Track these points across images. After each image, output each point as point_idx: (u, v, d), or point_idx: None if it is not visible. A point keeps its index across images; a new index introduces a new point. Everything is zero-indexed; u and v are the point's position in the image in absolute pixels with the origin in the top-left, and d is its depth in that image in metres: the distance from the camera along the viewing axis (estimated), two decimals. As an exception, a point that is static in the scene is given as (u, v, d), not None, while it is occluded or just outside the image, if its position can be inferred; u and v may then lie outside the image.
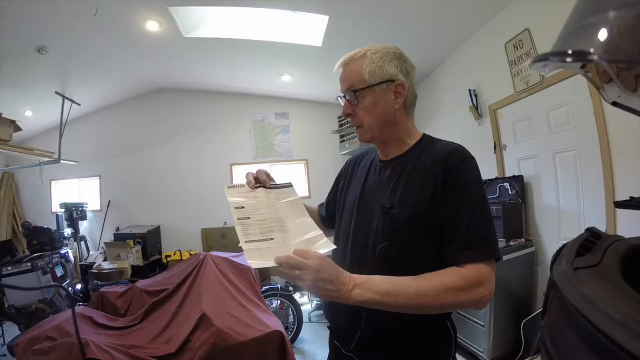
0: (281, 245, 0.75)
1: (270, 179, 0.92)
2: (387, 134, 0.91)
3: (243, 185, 0.88)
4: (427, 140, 0.92)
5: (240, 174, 4.92)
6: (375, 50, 0.87)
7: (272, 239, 0.77)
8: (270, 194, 0.88)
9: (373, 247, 0.85)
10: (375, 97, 0.86)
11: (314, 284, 0.68)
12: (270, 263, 0.69)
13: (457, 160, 0.81)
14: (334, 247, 0.80)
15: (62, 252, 3.66)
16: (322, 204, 1.19)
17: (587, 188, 2.09)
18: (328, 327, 1.00)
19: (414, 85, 0.91)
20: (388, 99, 0.87)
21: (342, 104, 0.94)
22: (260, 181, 0.89)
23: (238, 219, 0.79)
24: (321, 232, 0.82)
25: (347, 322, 0.88)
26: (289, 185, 0.94)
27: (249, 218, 0.80)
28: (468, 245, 0.76)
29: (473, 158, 0.83)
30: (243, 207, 0.82)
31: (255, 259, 0.72)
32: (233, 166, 5.01)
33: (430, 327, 0.84)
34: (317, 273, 0.67)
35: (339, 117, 4.51)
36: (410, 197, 0.82)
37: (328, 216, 1.12)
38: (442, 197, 0.80)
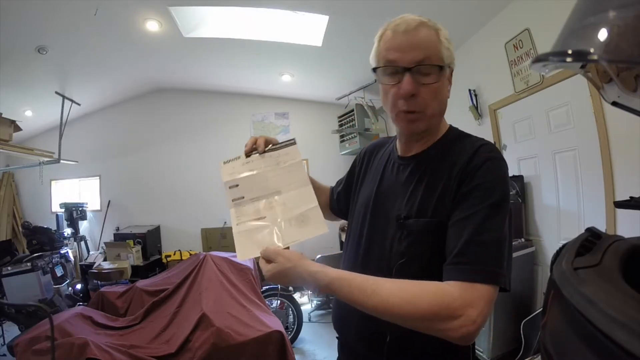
0: (272, 224, 0.74)
1: (273, 143, 0.83)
2: (435, 126, 0.79)
3: (239, 157, 0.83)
4: (454, 135, 0.80)
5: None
6: (440, 27, 0.74)
7: (264, 217, 0.75)
8: (269, 159, 0.81)
9: (388, 263, 0.74)
10: (443, 82, 0.74)
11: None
12: (256, 253, 0.71)
13: (481, 159, 0.69)
14: (326, 230, 0.73)
15: (62, 252, 3.67)
16: (334, 188, 1.08)
17: (587, 188, 2.08)
18: (337, 337, 0.94)
19: None
20: (447, 86, 0.76)
21: (383, 82, 0.75)
22: (257, 146, 0.81)
23: (232, 200, 0.78)
24: (316, 204, 0.76)
25: (366, 345, 0.80)
26: (292, 143, 0.83)
27: (243, 198, 0.78)
28: (464, 259, 0.62)
29: (501, 159, 0.71)
30: (237, 185, 0.79)
31: (245, 244, 0.74)
32: (233, 166, 5.01)
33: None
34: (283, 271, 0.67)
35: (339, 117, 4.50)
36: (429, 205, 0.71)
37: (339, 210, 1.03)
38: (455, 200, 0.68)
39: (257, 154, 0.82)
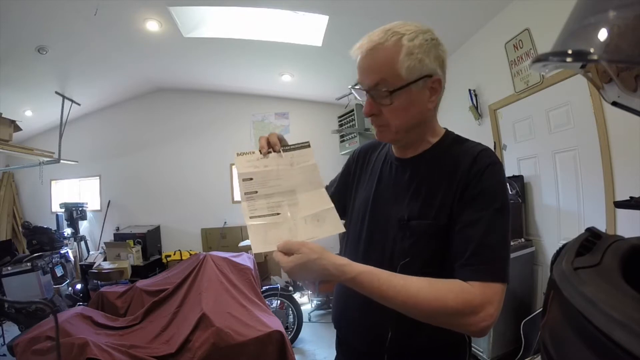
0: (287, 221, 0.73)
1: (284, 142, 0.82)
2: (413, 137, 0.79)
3: (254, 152, 0.81)
4: (451, 139, 0.81)
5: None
6: (412, 36, 0.70)
7: (278, 213, 0.74)
8: (284, 159, 0.80)
9: (389, 262, 0.76)
10: (411, 97, 0.72)
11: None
12: (272, 247, 0.67)
13: (483, 165, 0.72)
14: (343, 229, 0.74)
15: (62, 252, 3.67)
16: (327, 188, 1.07)
17: (587, 188, 2.08)
18: (338, 336, 0.94)
19: (445, 75, 0.76)
20: (423, 98, 0.74)
21: (359, 98, 0.79)
22: (271, 144, 0.80)
23: (245, 193, 0.75)
24: (332, 205, 0.75)
25: (367, 342, 0.82)
26: (306, 146, 0.82)
27: (256, 192, 0.76)
28: (477, 261, 0.67)
29: (500, 164, 0.74)
30: (251, 179, 0.77)
31: (259, 236, 0.71)
32: (233, 166, 5.01)
33: (451, 337, 0.78)
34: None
35: (339, 117, 4.50)
36: (432, 208, 0.74)
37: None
38: (459, 203, 0.71)
39: (274, 153, 0.81)
